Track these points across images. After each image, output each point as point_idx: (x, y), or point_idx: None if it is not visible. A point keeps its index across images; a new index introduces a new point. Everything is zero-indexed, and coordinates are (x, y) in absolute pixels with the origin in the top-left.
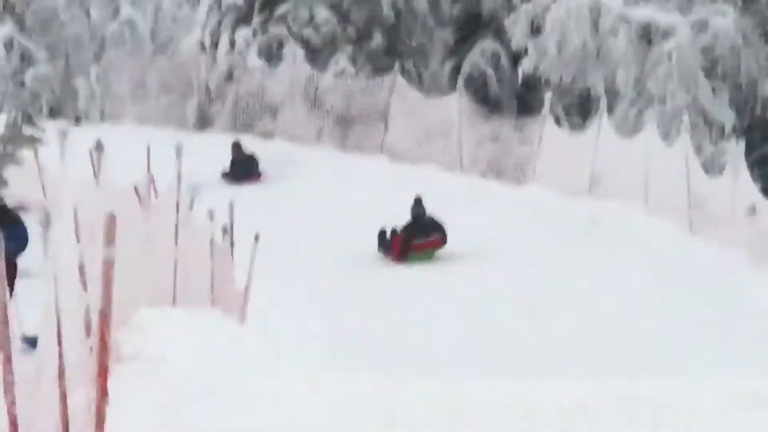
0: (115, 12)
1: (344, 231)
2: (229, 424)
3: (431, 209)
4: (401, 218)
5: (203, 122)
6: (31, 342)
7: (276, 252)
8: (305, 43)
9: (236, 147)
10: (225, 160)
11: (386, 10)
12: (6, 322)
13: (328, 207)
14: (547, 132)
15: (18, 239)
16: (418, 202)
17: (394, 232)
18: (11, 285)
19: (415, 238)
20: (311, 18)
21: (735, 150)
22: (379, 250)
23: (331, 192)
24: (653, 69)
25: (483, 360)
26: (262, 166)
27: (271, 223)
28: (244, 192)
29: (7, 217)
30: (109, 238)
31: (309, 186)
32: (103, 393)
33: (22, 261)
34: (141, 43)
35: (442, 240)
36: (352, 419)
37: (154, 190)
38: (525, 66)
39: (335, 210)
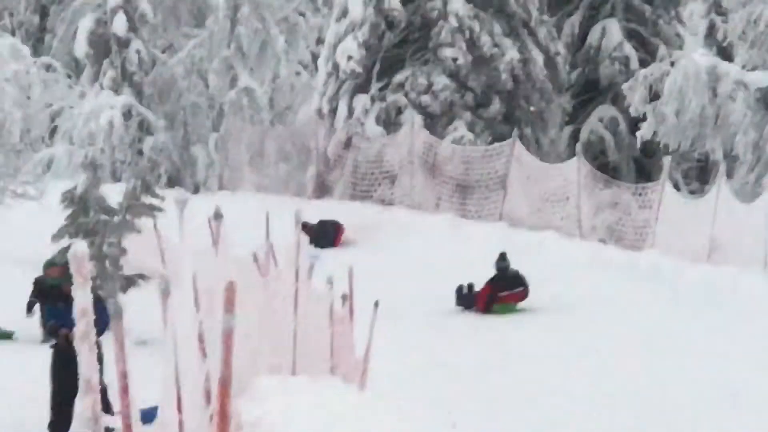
0: (233, 80)
1: None
2: None
3: (550, 275)
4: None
5: (322, 190)
6: (148, 414)
7: (393, 317)
8: (423, 110)
9: (305, 228)
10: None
11: (504, 76)
12: (126, 391)
13: (446, 273)
14: (666, 197)
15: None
16: (502, 257)
17: (470, 287)
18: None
19: (501, 291)
20: (429, 85)
21: None
22: (456, 304)
23: (449, 258)
24: None
25: (602, 424)
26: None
27: (388, 288)
28: (363, 258)
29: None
30: (229, 306)
31: (427, 252)
32: None
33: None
34: (259, 111)
35: (525, 293)
36: None
37: (273, 258)
38: (643, 131)
39: (453, 276)
